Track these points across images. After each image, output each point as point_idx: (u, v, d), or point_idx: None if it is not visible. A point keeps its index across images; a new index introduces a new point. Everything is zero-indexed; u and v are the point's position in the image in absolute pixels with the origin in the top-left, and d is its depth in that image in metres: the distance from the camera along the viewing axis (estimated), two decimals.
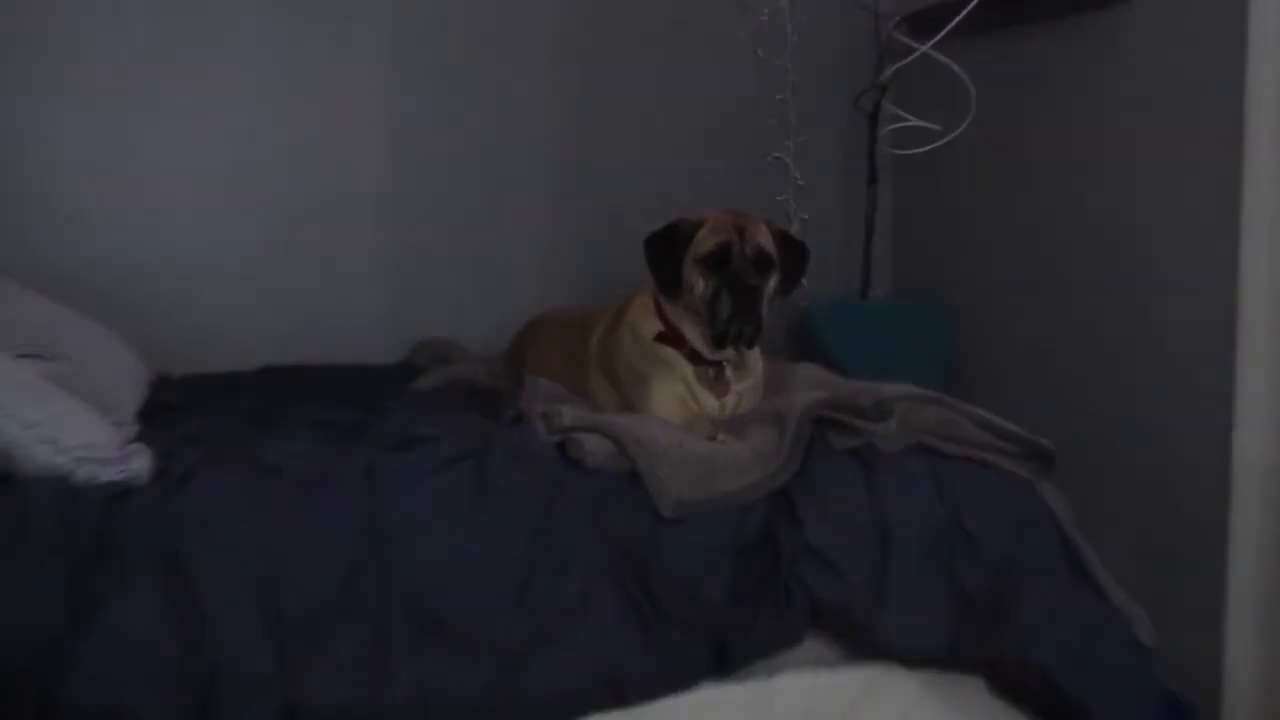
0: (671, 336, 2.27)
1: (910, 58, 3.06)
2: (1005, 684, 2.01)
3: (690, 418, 2.23)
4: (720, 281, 2.17)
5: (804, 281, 2.40)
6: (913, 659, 1.99)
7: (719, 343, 2.22)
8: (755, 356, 2.35)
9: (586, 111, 3.31)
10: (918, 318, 3.16)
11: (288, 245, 3.06)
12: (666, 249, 2.23)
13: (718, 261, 2.18)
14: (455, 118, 3.19)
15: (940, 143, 3.09)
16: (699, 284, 2.20)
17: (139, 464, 1.81)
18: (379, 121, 3.12)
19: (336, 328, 3.09)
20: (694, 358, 2.26)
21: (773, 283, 2.24)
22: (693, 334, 2.25)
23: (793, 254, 2.30)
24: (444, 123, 3.18)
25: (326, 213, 3.09)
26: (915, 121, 3.14)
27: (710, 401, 2.27)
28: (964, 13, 2.90)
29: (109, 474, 1.77)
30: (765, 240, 2.23)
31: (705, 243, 2.20)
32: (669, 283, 2.24)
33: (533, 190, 3.27)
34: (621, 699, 1.86)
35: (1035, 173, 2.99)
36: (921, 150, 3.15)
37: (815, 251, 2.40)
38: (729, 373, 2.28)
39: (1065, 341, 2.88)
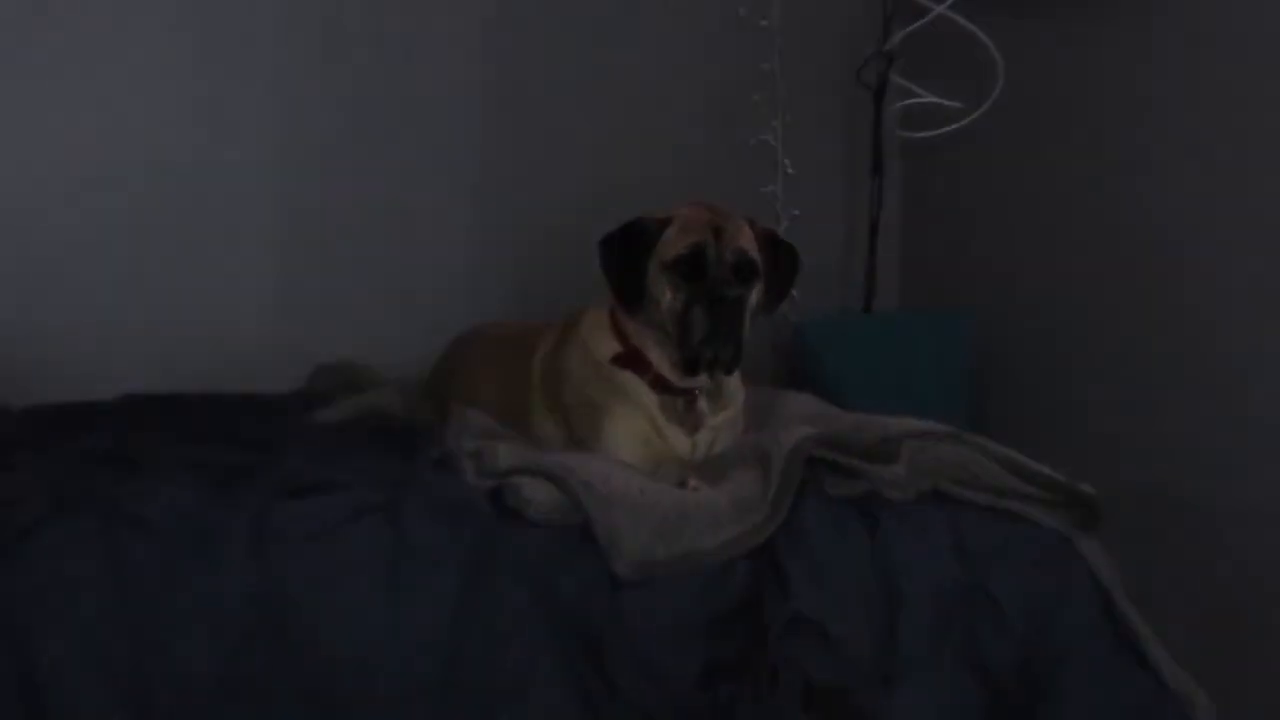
0: (632, 359, 2.30)
1: (924, 20, 3.11)
2: None
3: (655, 459, 2.26)
4: (693, 293, 2.21)
5: (794, 292, 2.44)
6: None
7: (691, 367, 2.25)
8: (735, 384, 2.39)
9: (522, 85, 3.34)
10: (932, 336, 3.21)
11: (157, 253, 3.07)
12: (626, 252, 2.26)
13: (689, 268, 2.22)
14: (359, 98, 3.22)
15: (960, 124, 3.15)
16: (666, 295, 2.23)
17: None
18: (268, 111, 3.14)
19: (218, 349, 3.09)
20: (660, 385, 2.29)
21: (756, 294, 2.27)
22: (658, 356, 2.29)
23: (781, 259, 2.34)
24: (345, 106, 3.20)
25: (204, 215, 3.10)
26: (929, 98, 3.20)
27: (679, 439, 2.30)
28: None
29: None
30: (747, 242, 2.27)
31: (674, 245, 2.24)
32: (629, 294, 2.27)
33: (456, 182, 3.30)
34: None
35: (1075, 161, 3.04)
36: (937, 133, 3.21)
37: (809, 255, 2.44)
38: (702, 404, 2.31)
39: (1113, 366, 2.92)
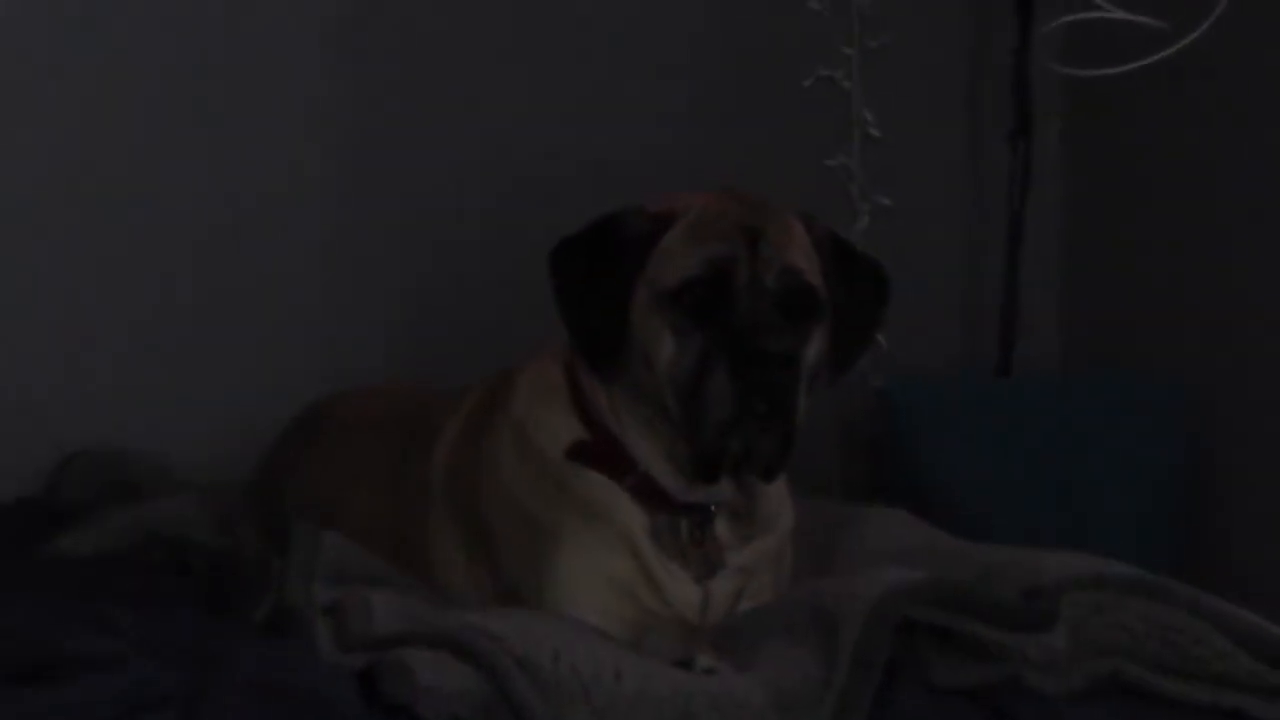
0: (603, 453, 2.33)
1: None
2: None
3: (640, 621, 2.28)
4: (712, 341, 2.22)
5: (881, 339, 2.46)
6: None
7: (707, 469, 2.27)
8: (778, 496, 2.42)
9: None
10: (1116, 415, 3.25)
11: None
12: (597, 269, 2.29)
13: (706, 299, 2.24)
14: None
15: (1163, 54, 3.19)
16: (666, 345, 2.25)
17: None
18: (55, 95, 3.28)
19: None
20: (651, 497, 2.32)
21: (817, 345, 2.30)
22: (649, 449, 2.32)
23: (856, 283, 2.37)
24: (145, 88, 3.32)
25: None
26: (1112, 11, 3.25)
27: (683, 587, 2.32)
28: None
29: None
30: (801, 255, 2.30)
31: (680, 259, 2.27)
32: (601, 341, 2.30)
33: (300, 158, 3.39)
34: None
35: None
36: (1125, 69, 3.25)
37: (906, 277, 2.48)
38: (722, 529, 2.34)
39: None
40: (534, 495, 2.34)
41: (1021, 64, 3.33)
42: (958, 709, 2.09)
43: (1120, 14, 3.24)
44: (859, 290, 2.37)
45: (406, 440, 2.55)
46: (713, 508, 2.33)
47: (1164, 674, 2.14)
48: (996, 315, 3.35)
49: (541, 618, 2.21)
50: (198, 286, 3.33)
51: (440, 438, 2.50)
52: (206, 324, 3.33)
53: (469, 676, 2.01)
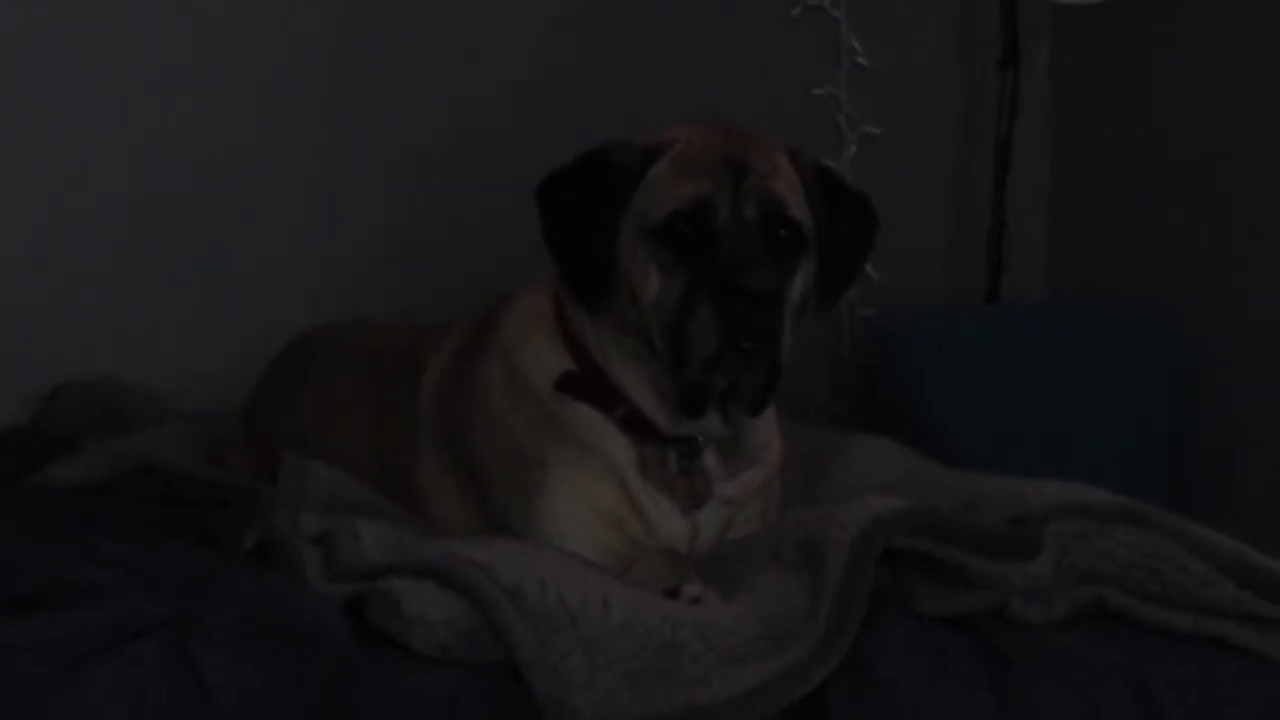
0: (591, 385, 2.34)
1: None
2: None
3: (628, 552, 2.30)
4: (697, 276, 2.23)
5: (868, 272, 2.46)
6: None
7: (692, 402, 2.28)
8: (765, 427, 2.43)
9: None
10: (1104, 345, 3.26)
11: None
12: (584, 203, 2.29)
13: (691, 233, 2.25)
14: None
15: None
16: (652, 280, 2.26)
17: None
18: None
19: None
20: (638, 429, 2.33)
21: (803, 278, 2.31)
22: (635, 382, 2.33)
23: (843, 216, 2.37)
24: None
25: None
26: None
27: (670, 519, 2.34)
28: None
29: None
30: (787, 188, 2.31)
31: (665, 194, 2.27)
32: (589, 277, 2.30)
33: (289, 91, 3.38)
34: None
35: None
36: None
37: (893, 208, 2.49)
38: (710, 460, 2.35)
39: None
40: (522, 426, 2.35)
41: None
42: (943, 636, 2.10)
43: None
44: (846, 224, 2.37)
45: (394, 370, 2.56)
46: (700, 440, 2.33)
47: (1147, 601, 2.16)
48: (984, 244, 3.35)
49: (529, 548, 2.23)
50: (187, 218, 3.33)
51: (429, 368, 2.51)
52: (196, 255, 3.33)
53: (456, 606, 2.03)
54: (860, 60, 3.31)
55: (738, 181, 2.25)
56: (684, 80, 3.01)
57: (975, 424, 2.98)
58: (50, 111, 3.25)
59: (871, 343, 3.22)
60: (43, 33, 3.24)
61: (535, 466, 2.33)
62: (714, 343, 2.19)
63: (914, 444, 2.70)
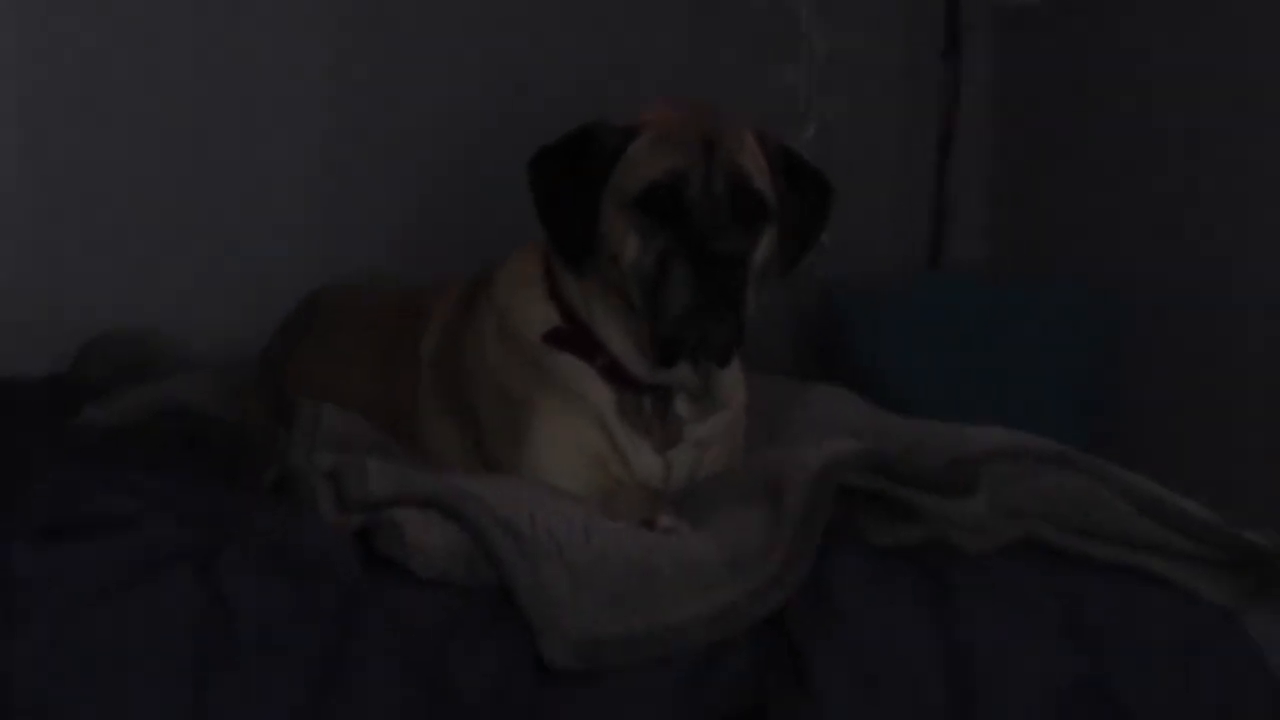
0: (576, 338, 2.33)
1: None
2: None
3: (609, 487, 2.30)
4: (671, 242, 2.23)
5: (825, 240, 2.45)
6: None
7: (667, 354, 2.28)
8: (732, 376, 2.42)
9: None
10: (1038, 309, 3.26)
11: None
12: (570, 178, 2.29)
13: (666, 204, 2.24)
14: None
15: None
16: (631, 245, 2.26)
17: None
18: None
19: None
20: (618, 377, 2.33)
21: (766, 244, 2.31)
22: (616, 335, 2.32)
23: (802, 191, 2.37)
24: None
25: None
26: None
27: (646, 457, 2.34)
28: None
29: None
30: (752, 163, 2.30)
31: (643, 168, 2.26)
32: (574, 241, 2.30)
33: (302, 72, 3.35)
34: None
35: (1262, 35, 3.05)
36: None
37: (848, 184, 2.48)
38: (681, 405, 2.35)
39: None
40: (513, 374, 2.35)
41: None
42: (891, 565, 2.11)
43: None
44: (806, 198, 2.38)
45: (399, 325, 2.56)
46: (673, 388, 2.34)
47: (1072, 534, 2.16)
48: (928, 217, 3.34)
49: (520, 483, 2.23)
50: (212, 181, 3.32)
51: (430, 323, 2.50)
52: (219, 216, 3.31)
53: (454, 535, 2.03)
54: (819, 48, 3.28)
55: (709, 157, 2.25)
56: (666, 65, 3.02)
57: (919, 376, 2.99)
58: (79, 77, 3.23)
59: (827, 303, 3.21)
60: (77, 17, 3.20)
61: (525, 410, 2.33)
62: (686, 300, 2.21)
63: (865, 393, 2.70)
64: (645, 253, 2.24)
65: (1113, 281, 3.27)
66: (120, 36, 3.23)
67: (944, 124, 3.33)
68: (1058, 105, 3.52)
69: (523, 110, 2.87)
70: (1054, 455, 2.22)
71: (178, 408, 2.69)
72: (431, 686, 1.92)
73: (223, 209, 3.32)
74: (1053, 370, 3.14)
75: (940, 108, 3.34)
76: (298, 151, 3.37)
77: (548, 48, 3.37)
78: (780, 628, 2.01)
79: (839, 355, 3.13)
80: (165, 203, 3.28)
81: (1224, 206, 3.13)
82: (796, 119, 3.25)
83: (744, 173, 2.28)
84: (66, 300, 3.18)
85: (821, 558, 2.06)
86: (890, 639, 2.04)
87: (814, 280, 3.17)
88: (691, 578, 2.02)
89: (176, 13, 3.29)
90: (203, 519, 2.04)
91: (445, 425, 2.43)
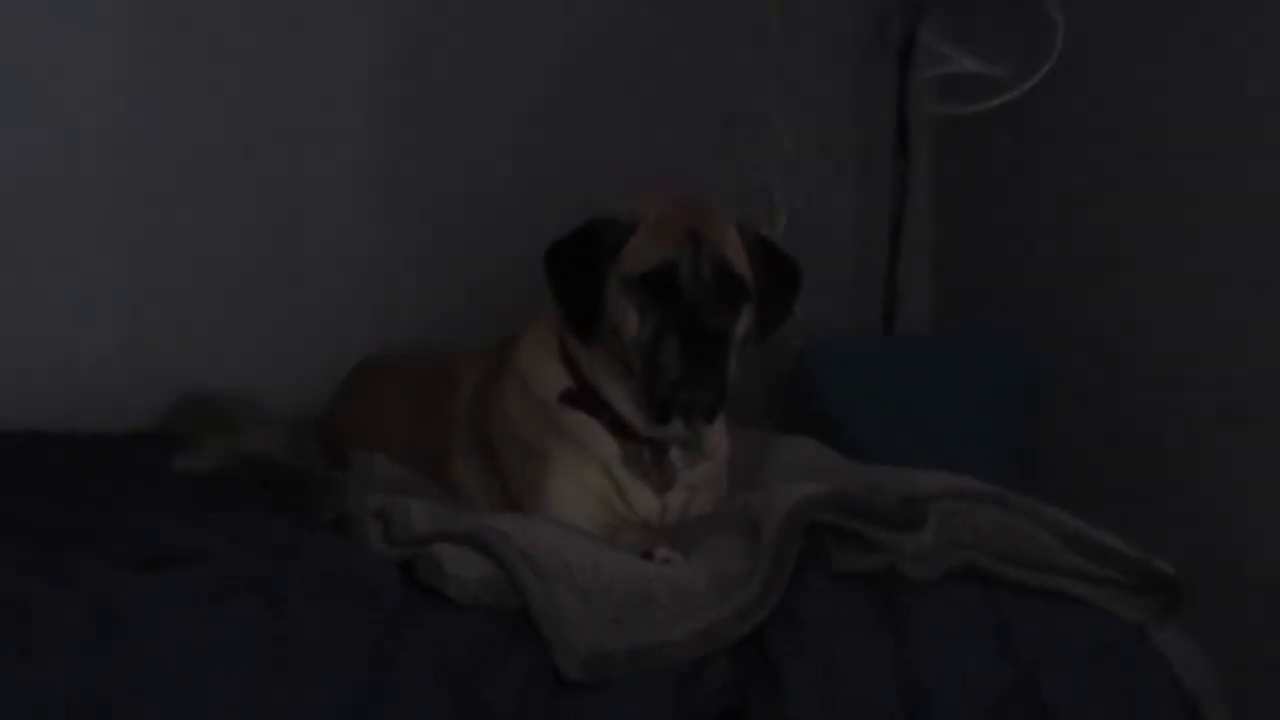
0: (585, 398, 2.35)
1: None
2: None
3: (613, 523, 2.31)
4: (665, 319, 2.25)
5: (795, 312, 2.47)
6: None
7: (662, 413, 2.30)
8: (717, 430, 2.43)
9: (435, 36, 3.35)
10: (974, 367, 3.27)
11: None
12: (579, 264, 2.31)
13: (660, 287, 2.27)
14: (220, 86, 3.23)
15: (1007, 98, 3.21)
16: (631, 321, 2.28)
17: None
18: (106, 84, 3.16)
19: (48, 375, 3.10)
20: (621, 431, 2.34)
21: (745, 320, 2.33)
22: (619, 395, 2.34)
23: (776, 273, 2.39)
24: (211, 89, 3.22)
25: (34, 216, 3.10)
26: (969, 64, 3.25)
27: (645, 498, 2.35)
28: None
29: None
30: (733, 252, 2.32)
31: (641, 255, 2.29)
32: (583, 317, 2.32)
33: (356, 168, 3.33)
34: None
35: (1157, 147, 3.07)
36: (977, 108, 3.27)
37: (816, 262, 2.51)
38: (675, 455, 2.36)
39: (1214, 397, 2.93)
40: (533, 429, 2.37)
41: (901, 101, 3.34)
42: (851, 589, 2.12)
43: (972, 65, 3.26)
44: (779, 279, 2.40)
45: (433, 387, 2.58)
46: (668, 440, 2.36)
47: (1007, 563, 2.18)
48: (882, 291, 3.36)
49: (539, 521, 2.24)
50: (280, 264, 3.30)
51: (461, 386, 2.52)
52: (283, 294, 3.30)
53: (484, 565, 2.04)
54: (790, 152, 3.30)
55: (696, 247, 2.28)
56: (651, 166, 3.05)
57: (874, 427, 3.00)
58: (148, 146, 3.19)
59: (797, 365, 3.22)
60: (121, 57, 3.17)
61: (542, 459, 2.34)
62: (678, 368, 2.23)
63: (829, 442, 2.70)
64: (643, 328, 2.26)
65: (1036, 340, 3.28)
66: (190, 106, 3.21)
67: (895, 213, 3.34)
68: (986, 198, 3.54)
69: (540, 190, 2.89)
70: (991, 495, 2.24)
71: (252, 457, 2.71)
72: (465, 696, 1.94)
73: (290, 289, 3.30)
74: (985, 416, 3.15)
75: (892, 200, 3.34)
76: (354, 236, 3.36)
77: (563, 145, 3.38)
78: (758, 642, 2.03)
79: (808, 408, 3.13)
80: (239, 280, 3.27)
81: (1130, 274, 3.15)
82: (770, 211, 3.27)
83: (727, 260, 2.30)
84: (157, 365, 3.17)
85: (793, 583, 2.08)
86: (850, 651, 2.06)
87: (787, 345, 3.17)
88: (684, 601, 2.04)
89: (226, 90, 3.25)
90: (270, 551, 2.04)
91: (474, 471, 2.45)
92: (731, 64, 3.35)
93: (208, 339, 3.22)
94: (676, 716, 1.98)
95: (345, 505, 2.25)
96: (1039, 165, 3.36)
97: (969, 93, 3.30)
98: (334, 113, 3.31)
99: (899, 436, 2.91)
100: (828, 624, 2.06)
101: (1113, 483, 3.09)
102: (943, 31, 3.30)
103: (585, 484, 2.33)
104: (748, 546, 2.12)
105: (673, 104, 3.44)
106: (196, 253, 3.24)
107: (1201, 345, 2.98)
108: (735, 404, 2.39)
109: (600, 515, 2.31)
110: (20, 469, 2.62)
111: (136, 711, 1.83)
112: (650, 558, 2.16)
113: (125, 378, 3.14)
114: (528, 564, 2.02)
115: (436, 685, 1.93)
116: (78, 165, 3.14)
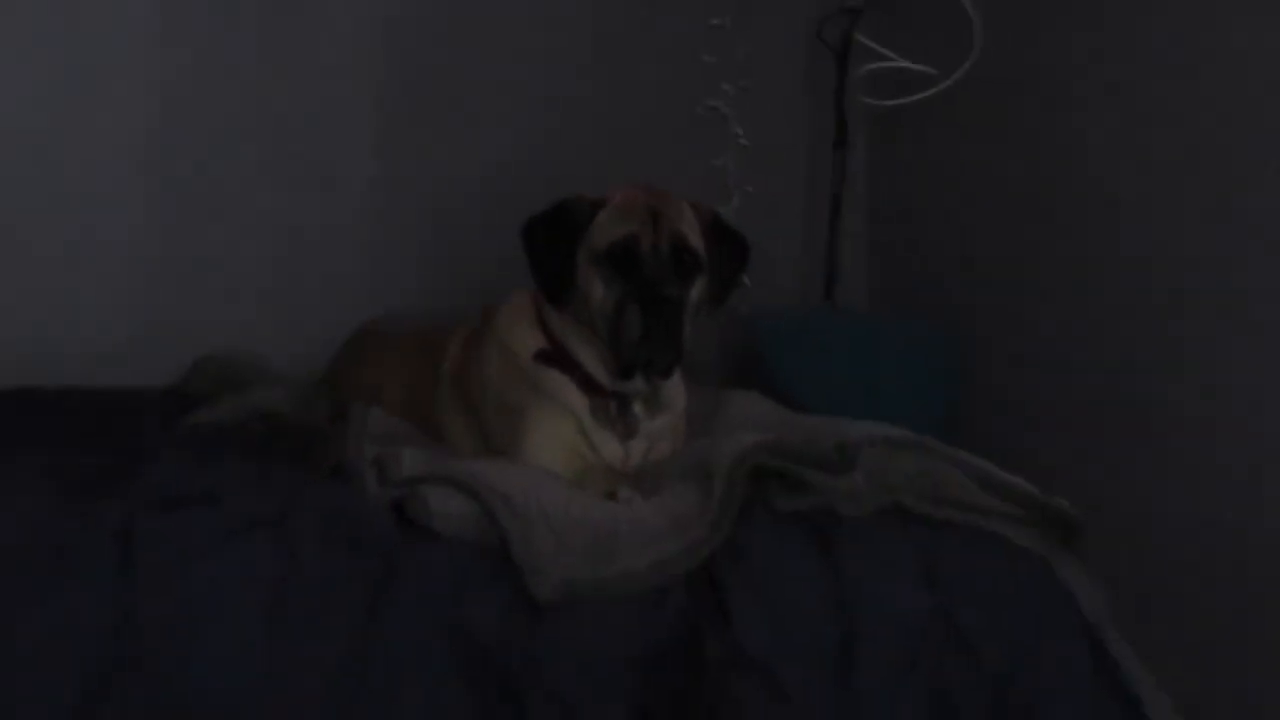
0: (558, 357, 2.36)
1: None
2: None
3: (582, 469, 2.32)
4: (627, 288, 2.27)
5: (746, 280, 2.48)
6: None
7: (625, 371, 2.32)
8: (674, 386, 2.45)
9: (431, 40, 3.35)
10: (903, 334, 3.27)
11: (7, 226, 3.07)
12: (552, 239, 2.32)
13: (623, 259, 2.28)
14: (239, 59, 3.22)
15: (933, 91, 3.21)
16: (597, 290, 2.29)
17: None
18: (139, 68, 3.15)
19: (78, 337, 3.10)
20: (589, 387, 2.35)
21: (698, 289, 2.34)
22: (587, 355, 2.35)
23: (727, 248, 2.40)
24: (226, 67, 3.21)
25: (59, 183, 3.10)
26: (898, 61, 3.26)
27: (611, 447, 2.37)
28: None
29: None
30: (689, 228, 2.33)
31: (606, 231, 2.30)
32: (555, 286, 2.33)
33: (355, 156, 3.33)
34: None
35: (1065, 140, 3.06)
36: (907, 101, 3.27)
37: (764, 237, 2.51)
38: (637, 408, 2.38)
39: (1110, 375, 2.94)
40: (511, 385, 2.38)
41: (840, 97, 3.34)
42: (790, 528, 2.13)
43: (901, 63, 3.26)
44: (730, 252, 2.41)
45: (426, 349, 2.59)
46: (630, 395, 2.37)
47: (926, 502, 2.20)
48: (823, 265, 3.36)
49: (516, 467, 2.26)
50: (288, 236, 3.30)
51: (449, 348, 2.54)
52: (294, 263, 3.30)
53: (467, 505, 2.06)
54: (742, 141, 3.31)
55: (656, 224, 2.30)
56: (619, 155, 3.04)
57: (812, 387, 2.99)
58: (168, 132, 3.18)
59: (748, 330, 3.22)
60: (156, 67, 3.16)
61: (519, 412, 2.35)
62: (638, 331, 2.25)
63: (773, 397, 2.72)
64: (608, 296, 2.28)
65: (958, 321, 3.28)
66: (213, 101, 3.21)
67: (834, 197, 3.34)
68: (917, 185, 3.54)
69: (509, 192, 2.86)
70: (914, 442, 2.26)
71: (262, 411, 2.70)
72: (449, 621, 1.95)
73: (297, 258, 3.30)
74: (915, 378, 3.15)
75: (832, 185, 3.35)
76: (353, 210, 3.35)
77: (547, 138, 3.38)
78: (709, 573, 2.04)
79: (755, 368, 3.13)
80: (255, 253, 3.27)
81: (1056, 261, 3.12)
82: (724, 193, 3.27)
83: (682, 235, 2.31)
84: (181, 329, 3.17)
85: (741, 523, 2.10)
86: (789, 580, 2.07)
87: (737, 312, 3.18)
88: (643, 536, 2.05)
89: (247, 114, 3.24)
90: (280, 494, 2.06)
91: (460, 423, 2.46)
92: (693, 66, 3.34)
93: (222, 304, 3.22)
94: (640, 641, 1.99)
95: (345, 453, 2.25)
96: (956, 156, 3.36)
97: (898, 88, 3.30)
98: (340, 109, 3.31)
99: (835, 394, 2.92)
100: (770, 558, 2.08)
101: (1035, 441, 3.08)
102: (877, 32, 3.30)
103: (558, 434, 2.34)
104: (700, 488, 2.14)
105: (643, 101, 3.44)
106: (211, 229, 3.23)
107: (1102, 328, 2.96)
108: (692, 364, 2.41)
109: (571, 462, 2.33)
110: (55, 421, 2.62)
111: (162, 636, 1.84)
112: (614, 498, 2.18)
113: (150, 341, 3.15)
114: (506, 504, 2.04)
115: (422, 611, 1.94)
116: (100, 144, 3.13)
